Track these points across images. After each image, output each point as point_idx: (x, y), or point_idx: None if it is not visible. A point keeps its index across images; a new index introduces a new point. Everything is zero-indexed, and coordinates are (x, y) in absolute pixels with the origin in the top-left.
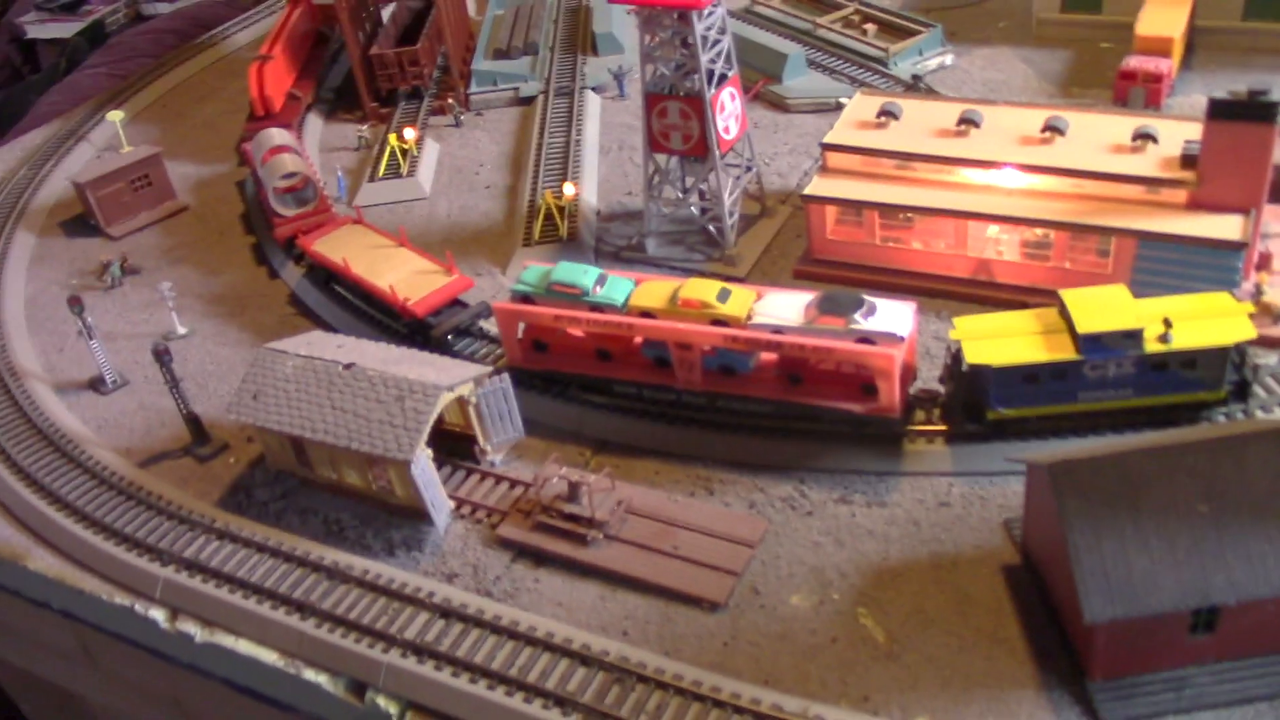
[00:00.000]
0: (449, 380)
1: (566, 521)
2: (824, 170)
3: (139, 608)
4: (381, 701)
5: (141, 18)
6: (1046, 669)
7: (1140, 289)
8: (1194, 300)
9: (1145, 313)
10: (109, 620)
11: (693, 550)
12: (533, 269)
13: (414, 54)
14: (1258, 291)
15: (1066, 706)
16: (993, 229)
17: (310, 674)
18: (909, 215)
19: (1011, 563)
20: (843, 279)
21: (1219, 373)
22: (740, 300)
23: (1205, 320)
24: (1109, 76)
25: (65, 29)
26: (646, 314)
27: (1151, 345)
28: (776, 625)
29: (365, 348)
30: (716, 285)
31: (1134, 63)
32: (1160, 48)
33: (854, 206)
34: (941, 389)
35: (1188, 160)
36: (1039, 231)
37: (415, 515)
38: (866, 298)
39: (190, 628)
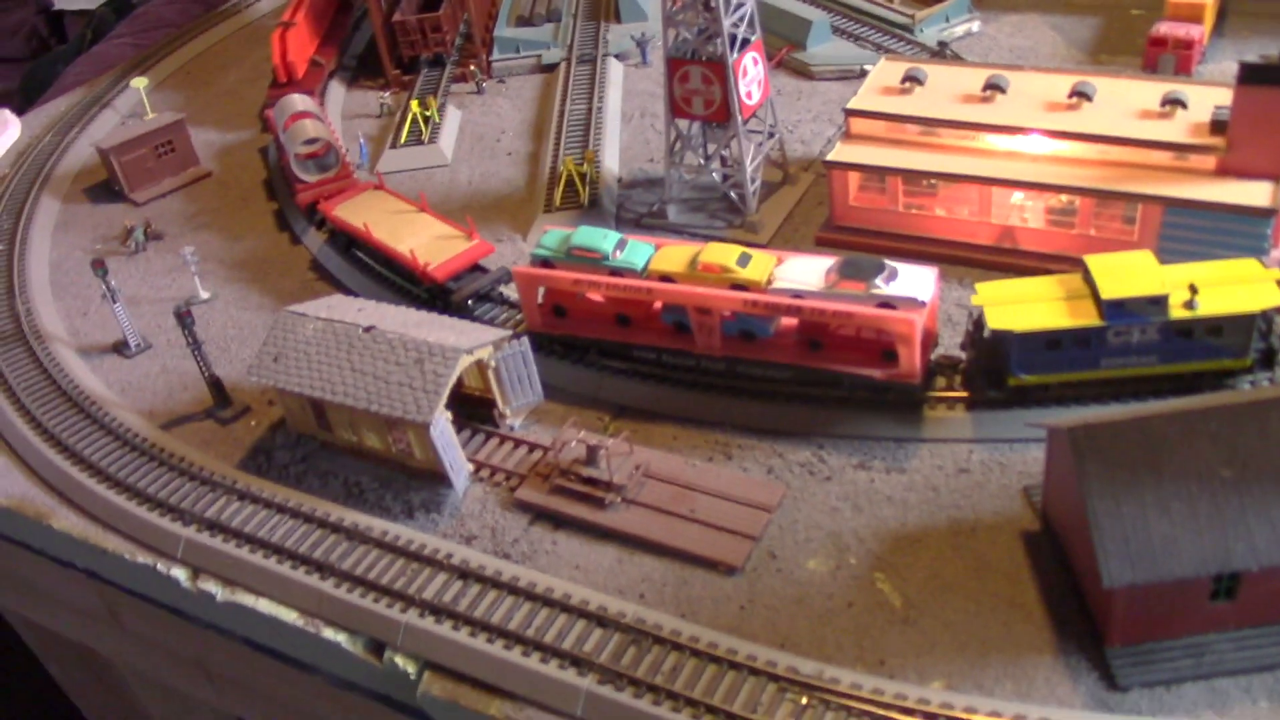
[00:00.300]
0: (468, 344)
1: (584, 485)
2: (847, 136)
3: (161, 567)
4: (400, 661)
5: None
6: (1064, 635)
7: (1167, 256)
8: (1221, 266)
9: (1170, 279)
10: (132, 579)
11: (710, 514)
12: (553, 233)
13: (436, 21)
14: None
15: (1084, 672)
16: (1017, 195)
17: (329, 633)
18: (932, 182)
19: (1031, 529)
20: (865, 246)
21: (1245, 340)
22: (760, 265)
23: (1232, 286)
24: (1139, 43)
25: (92, 0)
26: (666, 278)
27: (1176, 311)
28: (793, 589)
29: (385, 311)
30: (737, 250)
31: (1164, 29)
32: (1192, 14)
33: (877, 173)
34: (963, 355)
35: (1217, 126)
36: (1064, 198)
37: (434, 478)
38: (888, 262)
39: (212, 587)
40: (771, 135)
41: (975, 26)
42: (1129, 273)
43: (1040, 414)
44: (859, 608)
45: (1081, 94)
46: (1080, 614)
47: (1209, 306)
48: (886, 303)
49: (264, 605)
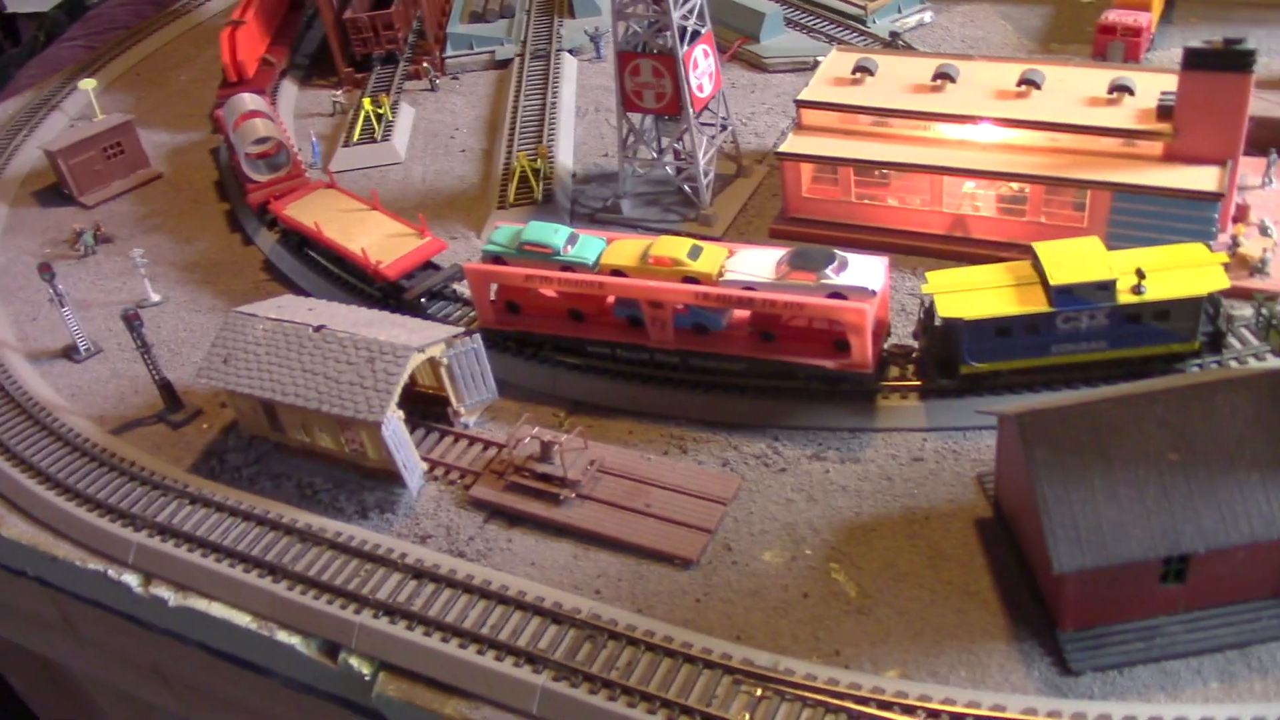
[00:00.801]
0: (419, 341)
1: (539, 481)
2: (799, 128)
3: (112, 573)
4: (354, 662)
5: None
6: (1018, 621)
7: (1116, 242)
8: (1168, 251)
9: (1118, 264)
10: (83, 586)
11: (666, 508)
12: (504, 229)
13: (388, 18)
14: (1234, 243)
15: (1038, 657)
16: (969, 184)
17: (283, 635)
18: (884, 172)
19: (984, 516)
20: (819, 237)
21: (1193, 324)
22: (711, 257)
23: (1179, 271)
24: (1089, 31)
25: (44, 2)
26: (618, 272)
27: (1124, 296)
28: (749, 581)
29: (336, 310)
30: (688, 243)
31: (1113, 16)
32: (1140, 1)
33: (829, 164)
34: (915, 344)
35: (1164, 112)
36: (1014, 186)
37: (388, 478)
38: (838, 252)
39: (164, 592)
40: (724, 128)
41: (927, 17)
42: (1077, 259)
43: (992, 401)
44: (814, 598)
45: (1030, 82)
46: (1034, 600)
47: (1156, 291)
48: (837, 293)
49: (217, 609)
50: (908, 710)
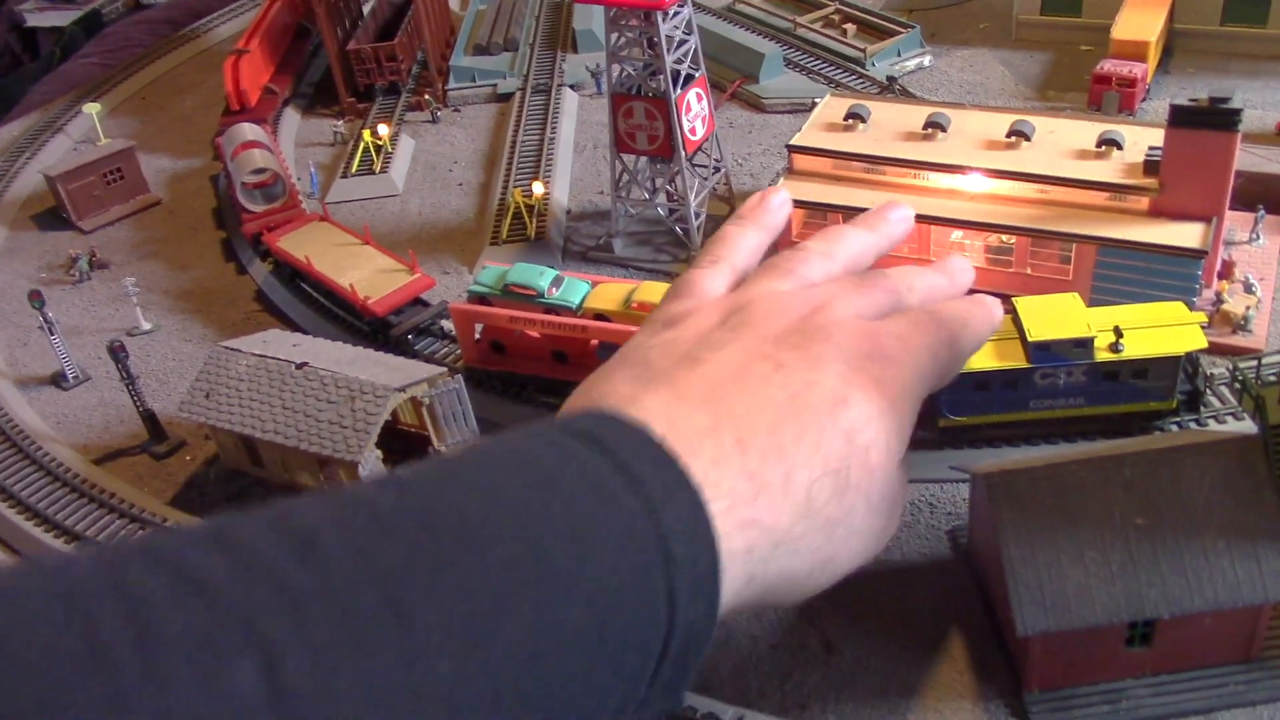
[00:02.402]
0: (400, 381)
1: None
2: (790, 172)
3: None
4: None
5: (140, 6)
6: (985, 680)
7: (1101, 296)
8: (1148, 309)
9: (1097, 321)
10: None
11: None
12: (490, 270)
13: (391, 49)
14: (1218, 300)
15: (1004, 717)
16: (956, 234)
17: None
18: None
19: (956, 571)
20: None
21: (1170, 382)
22: None
23: (1157, 330)
24: (1087, 80)
25: (64, 17)
26: (601, 316)
27: (1102, 354)
28: (717, 631)
29: (321, 347)
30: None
31: (1108, 67)
32: (1136, 52)
33: (818, 209)
34: None
35: (1150, 167)
36: (1002, 237)
37: None
38: None
39: None
40: (718, 170)
41: (927, 61)
42: (1056, 315)
43: (970, 455)
44: (782, 650)
45: (1020, 133)
46: (1002, 658)
47: (1134, 349)
48: None
49: None
50: None
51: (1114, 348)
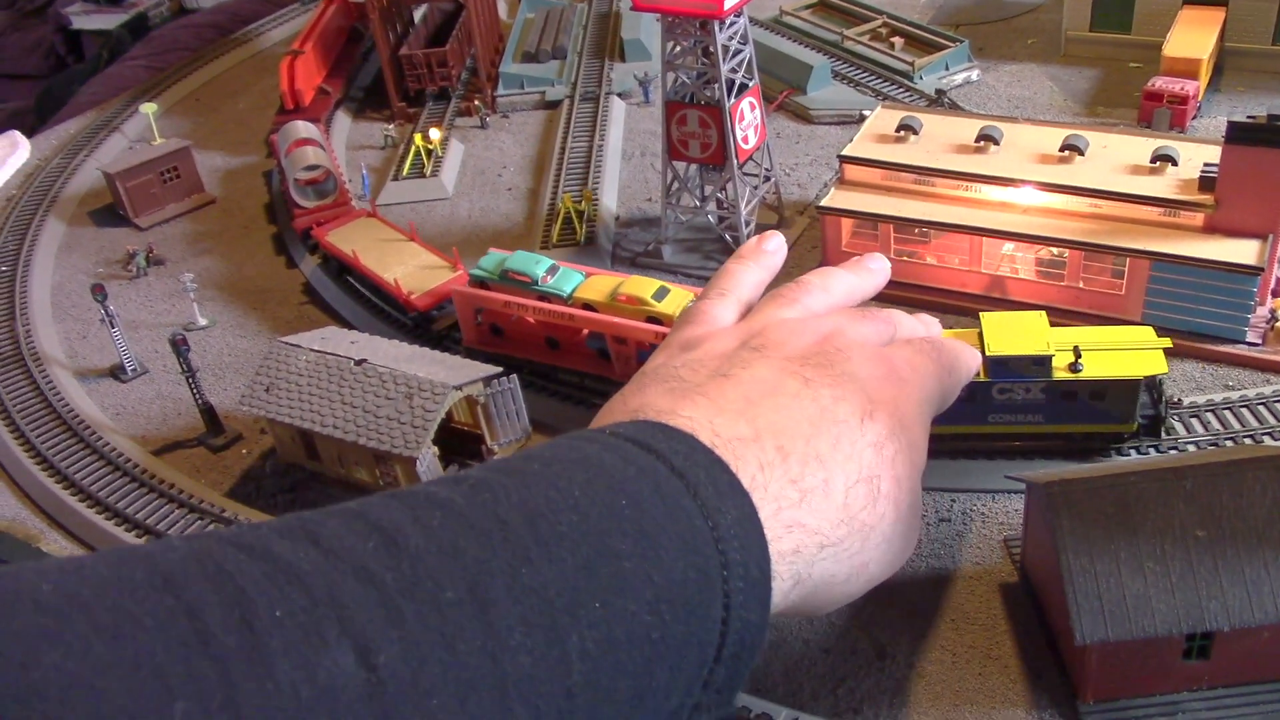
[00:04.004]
0: (458, 379)
1: None
2: (841, 182)
3: None
4: None
5: (185, 11)
6: (1039, 689)
7: (1154, 311)
8: (1115, 332)
9: (1058, 340)
10: None
11: None
12: (491, 255)
13: (442, 55)
14: (1273, 317)
15: None
16: (1008, 246)
17: None
18: (924, 230)
19: (1009, 581)
20: None
21: (1129, 406)
22: (676, 299)
23: (1119, 353)
24: (1136, 96)
25: (109, 20)
26: (588, 306)
27: (1060, 373)
28: (770, 634)
29: (378, 344)
30: (656, 284)
31: (1159, 83)
32: (1187, 69)
33: (869, 219)
34: None
35: (1205, 183)
36: (1054, 250)
37: None
38: None
39: None
40: (767, 179)
41: (974, 75)
42: (1018, 332)
43: (1022, 466)
44: (835, 655)
45: (1073, 147)
46: (1056, 668)
47: (1092, 370)
48: None
49: None
50: None
51: (1073, 367)
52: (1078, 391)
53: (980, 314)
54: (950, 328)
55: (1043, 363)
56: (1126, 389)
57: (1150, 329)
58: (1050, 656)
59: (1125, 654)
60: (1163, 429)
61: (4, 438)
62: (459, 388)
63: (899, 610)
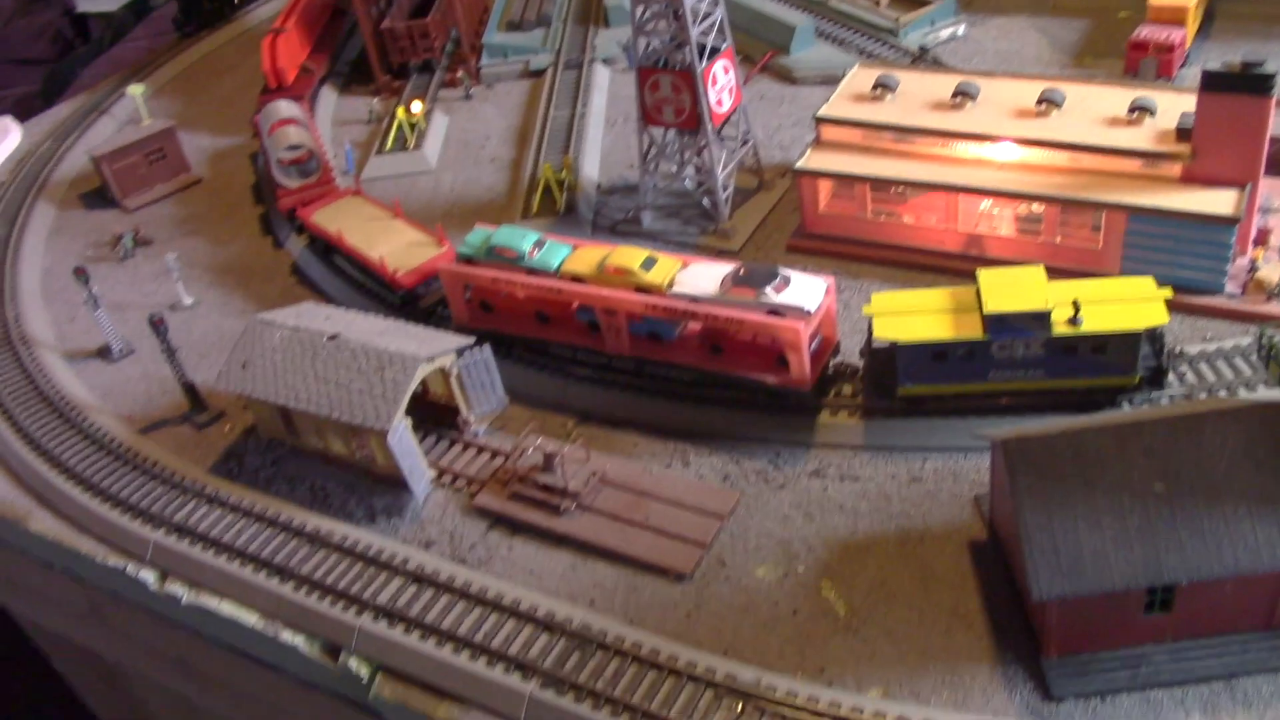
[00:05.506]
0: (428, 352)
1: (541, 492)
2: (818, 144)
3: (131, 569)
4: (354, 663)
5: None
6: (1004, 645)
7: (1132, 264)
8: (1113, 284)
9: (1057, 295)
10: (105, 580)
11: (663, 521)
12: (478, 232)
13: (424, 27)
14: (1253, 267)
15: (1021, 682)
16: (986, 203)
17: (288, 635)
18: (901, 189)
19: (979, 539)
20: (836, 253)
21: (1130, 358)
22: (663, 269)
23: (1118, 305)
24: (1123, 47)
25: (113, 2)
26: (577, 279)
27: (1060, 328)
28: (740, 596)
29: (352, 319)
30: (643, 254)
31: (1145, 33)
32: (1174, 17)
33: (845, 180)
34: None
35: (1183, 133)
36: (1032, 206)
37: (397, 483)
38: (783, 271)
39: (178, 589)
40: (745, 142)
41: (961, 30)
42: (1015, 288)
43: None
44: (804, 615)
45: (1050, 101)
46: (1021, 624)
47: (1093, 324)
48: (775, 310)
49: (226, 607)
50: None
51: (1072, 321)
52: (1079, 346)
53: (978, 270)
54: (930, 286)
55: (1042, 318)
56: (1128, 341)
57: (1150, 279)
58: (1016, 612)
59: (1086, 609)
60: (1165, 380)
61: None
62: (430, 359)
63: (869, 570)
